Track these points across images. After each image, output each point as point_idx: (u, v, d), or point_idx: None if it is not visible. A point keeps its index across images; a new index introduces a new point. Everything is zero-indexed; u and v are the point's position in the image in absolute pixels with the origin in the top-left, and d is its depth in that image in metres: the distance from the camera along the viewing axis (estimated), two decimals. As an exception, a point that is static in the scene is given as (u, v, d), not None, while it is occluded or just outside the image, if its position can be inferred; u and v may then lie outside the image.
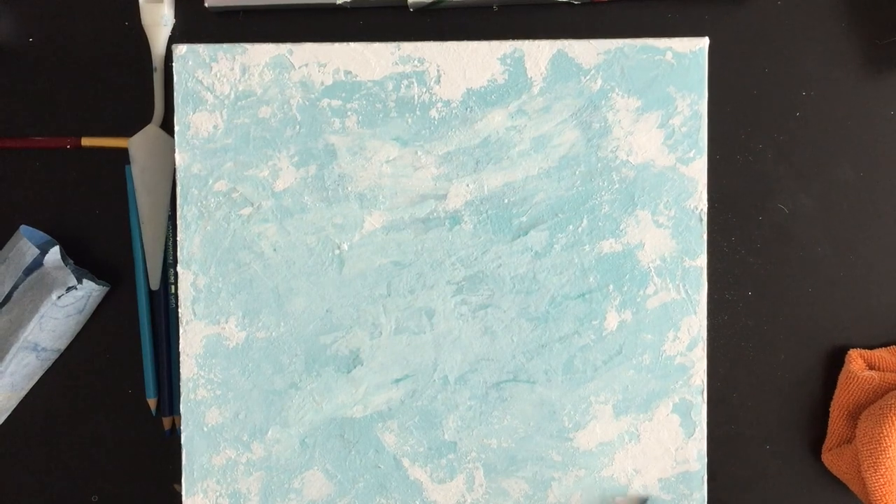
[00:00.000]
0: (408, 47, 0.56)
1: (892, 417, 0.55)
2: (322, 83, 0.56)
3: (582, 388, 0.57)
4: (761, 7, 0.60)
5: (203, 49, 0.56)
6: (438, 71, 0.56)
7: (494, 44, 0.56)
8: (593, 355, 0.56)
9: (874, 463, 0.55)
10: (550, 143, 0.56)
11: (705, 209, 0.56)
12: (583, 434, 0.57)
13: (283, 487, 0.57)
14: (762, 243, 0.60)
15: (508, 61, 0.56)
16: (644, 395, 0.56)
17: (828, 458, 0.59)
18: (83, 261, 0.61)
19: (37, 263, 0.58)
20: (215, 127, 0.56)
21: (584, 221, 0.56)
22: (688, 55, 0.56)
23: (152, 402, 0.60)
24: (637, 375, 0.56)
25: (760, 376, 0.60)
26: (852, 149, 0.60)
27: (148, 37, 0.60)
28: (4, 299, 0.58)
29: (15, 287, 0.58)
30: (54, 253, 0.58)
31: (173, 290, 0.60)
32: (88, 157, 0.61)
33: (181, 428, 0.57)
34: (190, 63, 0.56)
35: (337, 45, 0.56)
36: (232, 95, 0.56)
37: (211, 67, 0.56)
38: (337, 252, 0.57)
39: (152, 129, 0.60)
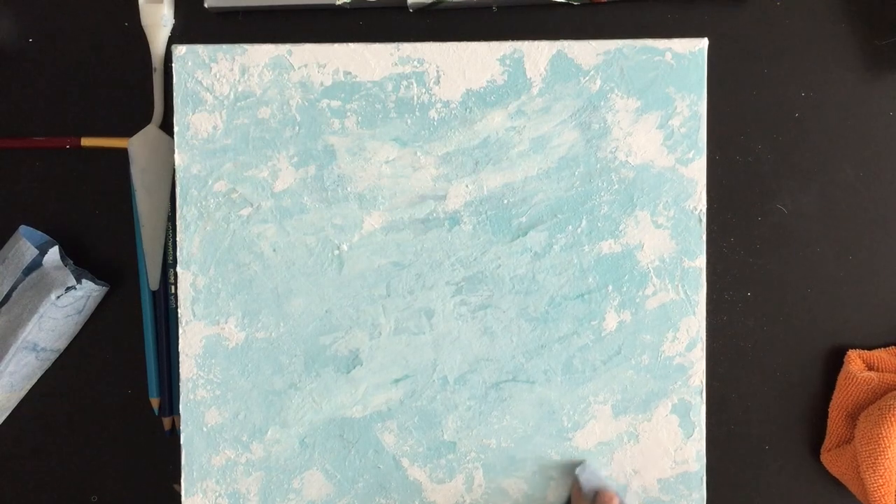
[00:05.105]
0: (407, 48, 0.56)
1: (890, 418, 0.55)
2: (321, 84, 0.56)
3: (581, 389, 0.57)
4: (761, 7, 0.60)
5: (203, 50, 0.56)
6: (438, 71, 0.56)
7: (494, 44, 0.56)
8: (592, 355, 0.57)
9: (873, 463, 0.55)
10: (550, 144, 0.56)
11: (704, 210, 0.56)
12: (582, 434, 0.57)
13: (283, 487, 0.57)
14: (762, 243, 0.60)
15: (508, 62, 0.56)
16: (643, 395, 0.57)
17: (827, 458, 0.59)
18: (83, 261, 0.61)
19: (36, 263, 0.58)
20: (215, 127, 0.56)
21: (584, 222, 0.56)
22: (687, 56, 0.56)
23: (155, 402, 0.60)
24: (636, 376, 0.56)
25: (760, 376, 0.60)
26: (852, 149, 0.59)
27: (148, 37, 0.60)
28: (4, 299, 0.58)
29: (14, 287, 0.58)
30: (53, 253, 0.58)
31: (173, 291, 0.60)
32: (88, 157, 0.61)
33: (181, 428, 0.57)
34: (189, 63, 0.56)
35: (336, 45, 0.56)
36: (231, 96, 0.56)
37: (210, 68, 0.56)
38: (336, 252, 0.57)
39: (152, 130, 0.60)
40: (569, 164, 0.56)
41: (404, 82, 0.56)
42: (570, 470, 0.57)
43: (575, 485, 0.56)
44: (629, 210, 0.56)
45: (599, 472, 0.56)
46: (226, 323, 0.57)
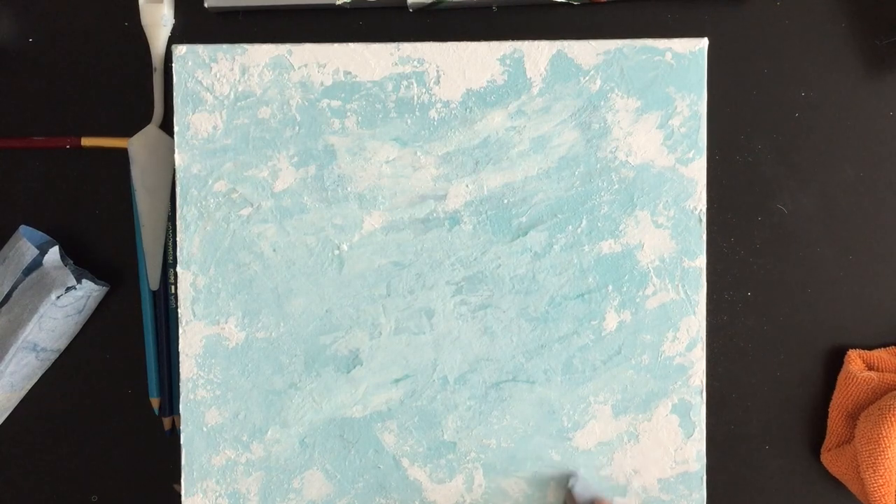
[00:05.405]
0: (407, 48, 0.56)
1: (890, 418, 0.55)
2: (322, 83, 0.56)
3: (581, 388, 0.57)
4: (761, 7, 0.60)
5: (203, 49, 0.56)
6: (438, 71, 0.56)
7: (494, 44, 0.56)
8: (592, 355, 0.57)
9: (873, 463, 0.55)
10: (550, 144, 0.56)
11: (704, 209, 0.56)
12: (582, 434, 0.57)
13: (283, 487, 0.57)
14: (762, 243, 0.60)
15: (508, 62, 0.56)
16: (643, 395, 0.57)
17: (827, 458, 0.59)
18: (83, 261, 0.61)
19: (36, 263, 0.58)
20: (215, 127, 0.56)
21: (584, 222, 0.56)
22: (687, 56, 0.56)
23: (155, 402, 0.60)
24: (636, 376, 0.56)
25: (760, 376, 0.60)
26: (852, 149, 0.60)
27: (148, 37, 0.60)
28: (4, 299, 0.58)
29: (14, 287, 0.58)
30: (53, 253, 0.58)
31: (173, 291, 0.60)
32: (88, 157, 0.61)
33: (181, 428, 0.57)
34: (189, 63, 0.56)
35: (336, 45, 0.56)
36: (231, 96, 0.56)
37: (210, 68, 0.56)
38: (336, 252, 0.57)
39: (152, 130, 0.60)
40: (569, 163, 0.56)
41: (404, 82, 0.56)
42: (572, 469, 0.57)
43: (568, 496, 0.56)
44: (629, 210, 0.56)
45: (591, 484, 0.56)
46: (226, 323, 0.57)
